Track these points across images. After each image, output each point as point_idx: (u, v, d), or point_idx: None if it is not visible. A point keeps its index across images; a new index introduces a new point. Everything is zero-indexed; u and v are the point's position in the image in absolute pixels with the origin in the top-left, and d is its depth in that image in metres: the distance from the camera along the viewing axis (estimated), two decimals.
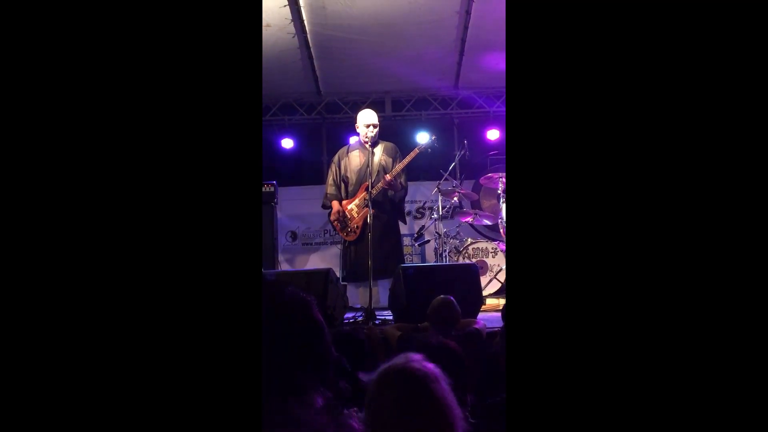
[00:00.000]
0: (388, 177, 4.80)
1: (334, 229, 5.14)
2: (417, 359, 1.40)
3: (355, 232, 4.90)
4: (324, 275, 4.39)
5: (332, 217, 4.99)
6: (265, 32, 5.78)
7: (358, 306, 5.01)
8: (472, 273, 4.32)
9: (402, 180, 4.93)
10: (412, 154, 4.85)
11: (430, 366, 1.40)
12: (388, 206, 4.94)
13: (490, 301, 5.38)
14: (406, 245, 5.62)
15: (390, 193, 4.88)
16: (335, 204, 4.96)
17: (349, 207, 4.95)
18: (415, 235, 6.31)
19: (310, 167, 7.25)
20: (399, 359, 1.41)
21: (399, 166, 4.87)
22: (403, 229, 5.31)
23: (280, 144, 7.05)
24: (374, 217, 4.62)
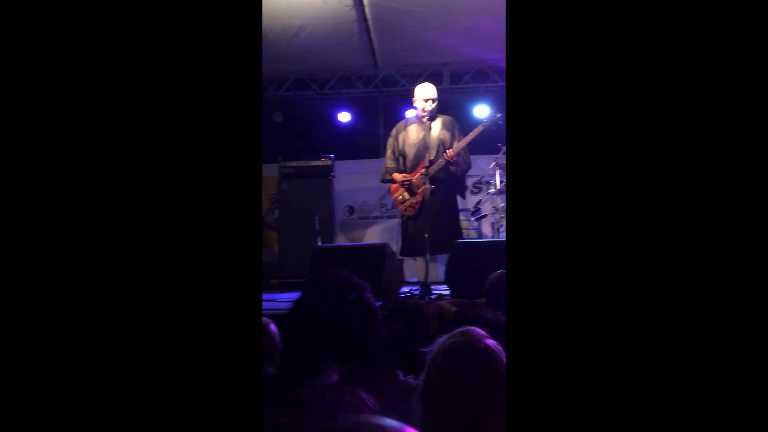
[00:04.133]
0: (450, 153, 4.73)
1: (394, 204, 5.13)
2: (479, 334, 1.38)
3: (414, 207, 4.88)
4: (381, 249, 4.41)
5: (398, 182, 4.91)
6: (323, 5, 5.76)
7: (415, 280, 5.02)
8: None
9: (464, 154, 4.86)
10: (476, 131, 4.77)
11: (492, 342, 1.38)
12: (448, 181, 4.89)
13: None
14: (462, 220, 5.57)
15: (452, 168, 4.82)
16: (397, 174, 4.93)
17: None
18: (472, 210, 6.25)
19: (366, 141, 7.25)
20: (460, 333, 1.39)
21: (462, 143, 4.79)
22: (461, 204, 5.26)
23: (336, 118, 7.07)
24: (433, 192, 4.60)
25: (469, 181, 6.91)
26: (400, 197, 4.94)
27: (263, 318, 2.35)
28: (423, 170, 4.70)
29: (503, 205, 5.82)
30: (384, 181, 5.07)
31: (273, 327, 2.27)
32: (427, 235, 4.50)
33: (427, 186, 4.61)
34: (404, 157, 4.96)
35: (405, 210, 4.93)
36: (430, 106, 4.78)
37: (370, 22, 6.11)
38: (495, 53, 6.61)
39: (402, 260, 4.88)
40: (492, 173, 5.83)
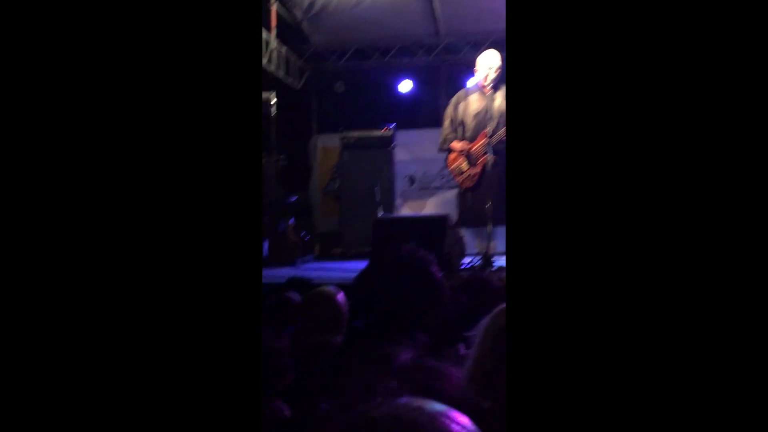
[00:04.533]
0: None
1: (451, 175, 5.09)
2: None
3: (472, 178, 4.84)
4: (442, 221, 4.43)
5: (455, 152, 4.83)
6: None
7: (476, 252, 5.01)
8: None
9: None
10: None
11: None
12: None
13: None
14: None
15: None
16: (456, 144, 4.87)
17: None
18: None
19: (428, 110, 7.20)
20: (497, 309, 1.44)
21: None
22: None
23: (397, 87, 7.05)
24: (495, 163, 4.55)
25: None
26: (458, 169, 4.88)
27: (330, 287, 2.40)
28: (485, 140, 4.65)
29: None
30: (442, 150, 5.01)
31: (340, 297, 2.33)
32: (489, 206, 4.47)
33: (490, 156, 4.56)
34: (463, 126, 4.88)
35: (463, 182, 4.87)
36: (494, 74, 4.70)
37: None
38: None
39: (461, 231, 4.87)
40: None
